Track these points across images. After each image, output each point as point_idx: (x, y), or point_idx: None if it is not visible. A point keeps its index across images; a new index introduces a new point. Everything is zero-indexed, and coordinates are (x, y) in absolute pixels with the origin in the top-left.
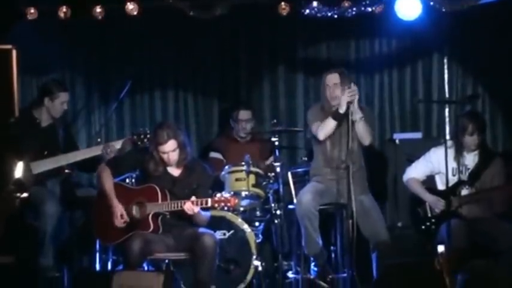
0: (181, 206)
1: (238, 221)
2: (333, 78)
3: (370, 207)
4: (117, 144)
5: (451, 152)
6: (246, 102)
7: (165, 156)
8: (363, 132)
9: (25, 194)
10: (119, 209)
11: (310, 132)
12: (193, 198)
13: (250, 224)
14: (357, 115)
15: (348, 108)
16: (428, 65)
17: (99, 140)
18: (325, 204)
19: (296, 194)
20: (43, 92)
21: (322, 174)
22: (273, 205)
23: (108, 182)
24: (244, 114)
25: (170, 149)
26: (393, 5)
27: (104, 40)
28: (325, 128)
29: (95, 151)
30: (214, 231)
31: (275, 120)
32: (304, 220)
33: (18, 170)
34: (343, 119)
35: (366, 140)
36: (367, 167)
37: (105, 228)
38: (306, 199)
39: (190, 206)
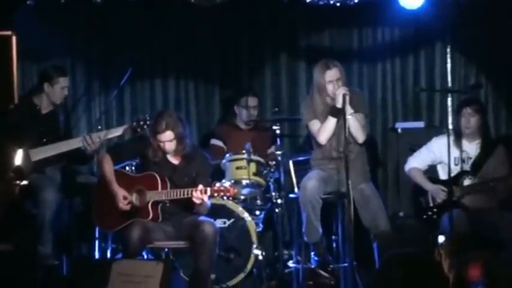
0: (181, 195)
1: (239, 209)
2: (334, 73)
3: (370, 195)
4: (118, 131)
5: (452, 140)
6: (252, 89)
7: (161, 145)
8: (354, 129)
9: (25, 182)
10: (120, 192)
11: (306, 126)
12: (200, 186)
13: (251, 212)
14: (348, 111)
15: (344, 101)
16: (431, 54)
17: (99, 127)
18: (328, 193)
19: (297, 183)
20: (42, 77)
21: (323, 163)
22: (273, 194)
23: (109, 167)
24: (252, 101)
25: (167, 139)
26: None
27: (104, 27)
28: (327, 130)
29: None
30: (215, 220)
31: (277, 109)
32: (307, 207)
33: (18, 158)
34: (341, 114)
35: (359, 138)
36: (369, 156)
37: (105, 215)
38: (311, 185)
39: (198, 195)
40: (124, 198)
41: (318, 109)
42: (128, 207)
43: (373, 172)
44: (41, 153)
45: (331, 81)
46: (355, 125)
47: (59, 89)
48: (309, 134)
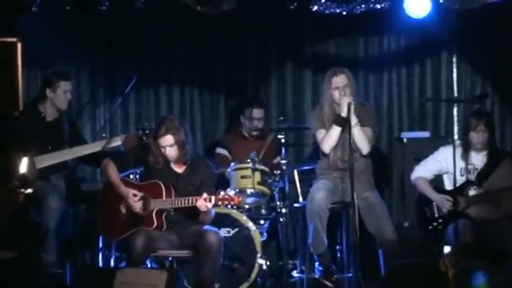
0: (185, 203)
1: (243, 218)
2: (341, 80)
3: (375, 202)
4: (117, 141)
5: (459, 152)
6: (259, 99)
7: (162, 150)
8: (359, 139)
9: (29, 190)
10: (129, 191)
11: (314, 136)
12: (205, 195)
13: (255, 222)
14: (353, 121)
15: (348, 110)
16: (437, 64)
17: (104, 135)
18: (333, 203)
19: (302, 192)
20: (44, 83)
21: (328, 173)
22: (278, 203)
23: (114, 173)
24: (257, 113)
25: (167, 144)
26: (402, 2)
27: (109, 34)
28: (330, 139)
29: (100, 146)
30: (219, 229)
31: (282, 118)
32: (315, 218)
33: (23, 166)
34: (346, 123)
35: (363, 149)
36: (374, 166)
37: (109, 224)
38: (319, 196)
39: (203, 203)
40: (134, 195)
41: (326, 118)
42: (140, 204)
43: (378, 182)
44: (46, 160)
45: (337, 88)
46: (360, 136)
47: (61, 94)
48: (316, 143)
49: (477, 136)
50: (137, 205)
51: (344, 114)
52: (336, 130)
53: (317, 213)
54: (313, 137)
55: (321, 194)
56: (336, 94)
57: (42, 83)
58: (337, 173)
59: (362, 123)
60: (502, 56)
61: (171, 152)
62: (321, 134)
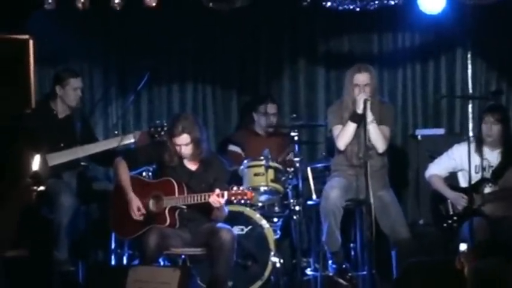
0: (198, 200)
1: (257, 216)
2: (363, 78)
3: (389, 202)
4: (130, 138)
5: (473, 147)
6: (271, 95)
7: (178, 149)
8: (374, 136)
9: (42, 187)
10: (135, 201)
11: (330, 131)
12: (217, 191)
13: (269, 219)
14: (368, 118)
15: (364, 106)
16: (451, 60)
17: (116, 132)
18: (347, 200)
19: (315, 190)
20: (54, 80)
21: (343, 170)
22: (291, 201)
23: (124, 175)
24: (272, 108)
25: (183, 143)
26: None
27: (122, 31)
28: (345, 135)
29: (112, 143)
30: (232, 227)
31: (295, 115)
32: (329, 216)
33: (35, 163)
34: (362, 120)
35: (379, 147)
36: (388, 163)
37: (122, 222)
38: (334, 194)
39: (216, 199)
40: (138, 209)
41: (345, 114)
42: (140, 219)
43: (392, 179)
44: (58, 158)
45: (358, 85)
46: (376, 134)
47: (71, 91)
48: (332, 139)
49: (487, 128)
50: (136, 216)
51: (360, 110)
52: (351, 126)
53: (331, 212)
54: (329, 133)
55: (335, 192)
56: (356, 91)
57: (53, 80)
58: (352, 170)
59: (380, 121)
60: None
61: (187, 150)
62: (337, 129)
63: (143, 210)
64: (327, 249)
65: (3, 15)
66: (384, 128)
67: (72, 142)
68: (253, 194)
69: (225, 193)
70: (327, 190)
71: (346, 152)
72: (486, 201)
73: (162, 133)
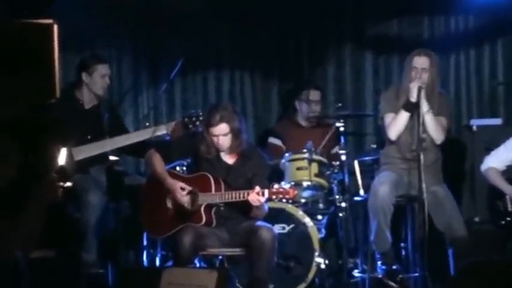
0: (236, 197)
1: (299, 213)
2: (422, 61)
3: (444, 198)
4: (162, 130)
5: None
6: (315, 82)
7: (215, 140)
8: (431, 127)
9: (69, 184)
10: (176, 184)
11: (381, 119)
12: (257, 188)
13: (312, 217)
14: (424, 107)
15: (418, 95)
16: (508, 45)
17: (147, 124)
18: (398, 196)
19: (363, 185)
20: (80, 67)
21: (394, 163)
22: (337, 197)
23: (160, 165)
24: (315, 95)
25: (221, 133)
26: None
27: (153, 14)
28: (398, 125)
29: (143, 135)
30: (273, 225)
31: (340, 104)
32: (378, 214)
33: (62, 157)
34: (415, 109)
35: (437, 138)
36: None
37: (154, 220)
38: (383, 191)
39: (255, 197)
40: (182, 189)
41: (399, 101)
42: (187, 199)
43: (446, 173)
44: (85, 151)
45: (415, 68)
46: (432, 124)
47: (98, 77)
48: (383, 127)
49: None
50: (185, 199)
51: (413, 99)
52: (404, 115)
53: (381, 209)
54: (380, 120)
55: (385, 188)
56: (413, 74)
57: (78, 67)
58: (404, 163)
59: (438, 111)
60: None
61: (225, 141)
62: (389, 118)
63: (188, 188)
64: (375, 249)
65: None
66: (441, 118)
67: (100, 134)
68: (296, 193)
69: (266, 191)
70: (375, 186)
71: (398, 143)
72: None
73: (198, 123)
